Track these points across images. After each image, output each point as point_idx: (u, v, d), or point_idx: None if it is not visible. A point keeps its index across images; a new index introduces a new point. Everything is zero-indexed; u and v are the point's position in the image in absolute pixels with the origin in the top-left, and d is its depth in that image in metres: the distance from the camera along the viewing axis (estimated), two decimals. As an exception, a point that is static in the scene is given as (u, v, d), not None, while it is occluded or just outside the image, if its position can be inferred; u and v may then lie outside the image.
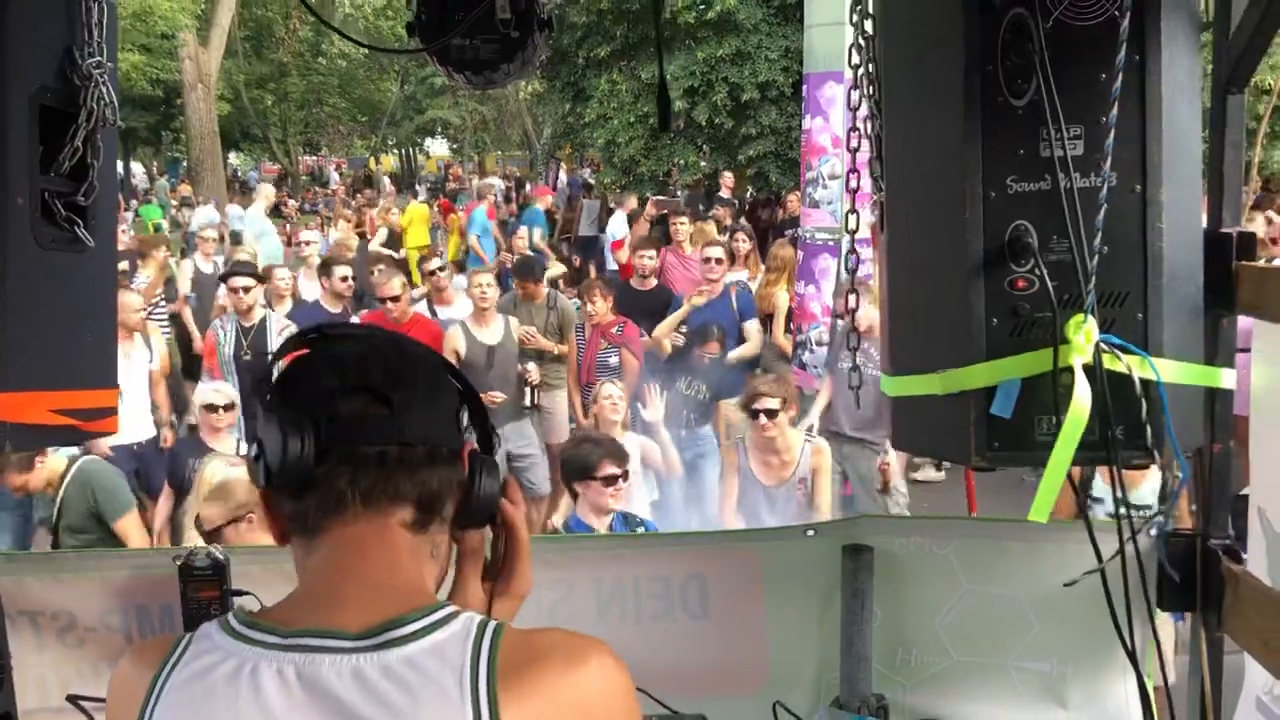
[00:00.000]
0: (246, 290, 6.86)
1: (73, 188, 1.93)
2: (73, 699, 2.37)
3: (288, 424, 1.14)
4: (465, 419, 1.26)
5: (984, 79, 1.66)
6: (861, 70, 2.00)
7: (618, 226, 14.00)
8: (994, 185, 1.67)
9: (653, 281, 8.41)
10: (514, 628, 1.14)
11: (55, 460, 5.05)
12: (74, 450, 5.20)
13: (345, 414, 1.15)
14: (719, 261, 7.93)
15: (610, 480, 4.17)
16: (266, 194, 15.22)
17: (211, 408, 5.52)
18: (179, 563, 2.29)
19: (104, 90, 1.92)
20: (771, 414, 5.14)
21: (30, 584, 2.38)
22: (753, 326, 7.87)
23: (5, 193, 1.76)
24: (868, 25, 1.98)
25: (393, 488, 1.17)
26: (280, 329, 6.87)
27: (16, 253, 1.78)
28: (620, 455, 4.29)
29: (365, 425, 1.16)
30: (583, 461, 4.25)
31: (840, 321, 6.88)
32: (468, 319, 7.08)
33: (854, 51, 2.02)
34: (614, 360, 7.17)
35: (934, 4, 1.75)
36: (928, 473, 8.25)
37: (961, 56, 1.67)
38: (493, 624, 1.12)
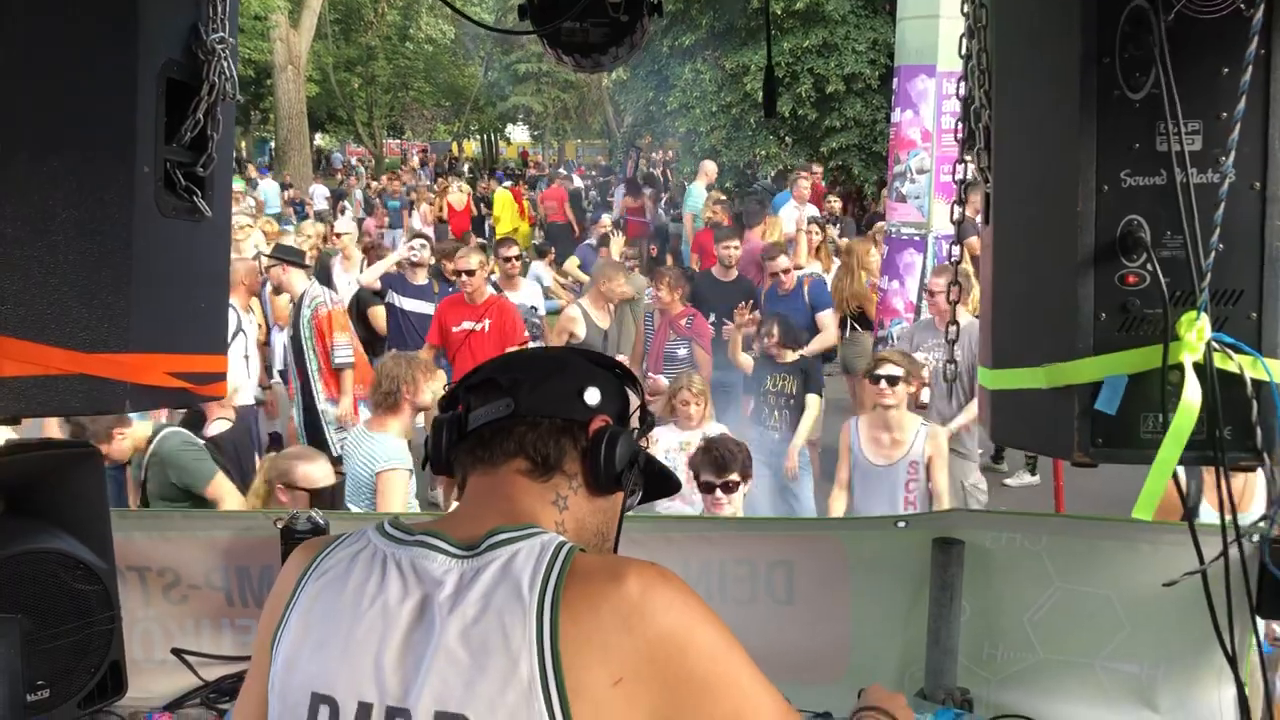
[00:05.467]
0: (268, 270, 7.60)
1: (193, 158, 1.96)
2: (177, 652, 2.47)
3: (434, 428, 1.52)
4: (596, 399, 1.47)
5: (1100, 71, 1.63)
6: (972, 60, 1.97)
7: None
8: (1108, 179, 1.64)
9: (734, 273, 8.37)
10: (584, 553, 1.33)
11: (141, 427, 5.03)
12: (162, 420, 5.27)
13: (475, 404, 1.48)
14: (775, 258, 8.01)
15: (707, 488, 4.16)
16: (708, 171, 14.71)
17: None
18: (280, 525, 2.36)
19: (225, 65, 1.97)
20: (893, 381, 5.02)
21: (139, 540, 2.47)
22: (826, 317, 7.81)
23: (133, 162, 1.80)
24: (979, 14, 1.96)
25: (502, 446, 1.44)
26: (310, 299, 6.95)
27: (141, 220, 1.82)
28: (722, 465, 4.16)
29: (485, 404, 1.47)
30: (694, 464, 4.28)
31: (924, 316, 6.81)
32: (585, 303, 7.42)
33: (964, 41, 2.00)
34: (682, 352, 7.16)
35: (1051, -6, 1.73)
36: (1022, 478, 8.15)
37: (1078, 47, 1.64)
38: (570, 545, 1.32)
